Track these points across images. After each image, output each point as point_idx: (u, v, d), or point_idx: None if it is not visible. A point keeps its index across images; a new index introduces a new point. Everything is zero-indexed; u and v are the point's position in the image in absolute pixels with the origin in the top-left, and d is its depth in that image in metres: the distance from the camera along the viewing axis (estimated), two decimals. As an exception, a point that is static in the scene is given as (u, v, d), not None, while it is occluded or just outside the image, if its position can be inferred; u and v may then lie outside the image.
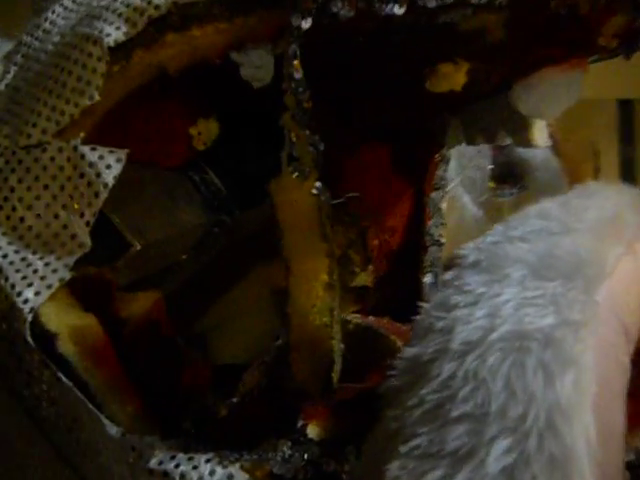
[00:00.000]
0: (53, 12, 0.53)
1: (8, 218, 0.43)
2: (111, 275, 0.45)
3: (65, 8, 0.52)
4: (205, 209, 0.52)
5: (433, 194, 0.71)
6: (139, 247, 0.45)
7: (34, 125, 0.43)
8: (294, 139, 0.41)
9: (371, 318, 0.69)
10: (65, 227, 0.42)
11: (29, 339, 0.39)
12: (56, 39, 0.48)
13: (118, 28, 0.42)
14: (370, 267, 0.70)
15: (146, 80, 0.44)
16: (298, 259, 0.41)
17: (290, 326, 0.40)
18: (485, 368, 0.29)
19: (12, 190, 0.43)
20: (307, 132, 0.41)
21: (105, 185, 0.41)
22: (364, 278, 0.70)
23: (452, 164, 0.96)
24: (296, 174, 0.41)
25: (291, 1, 0.41)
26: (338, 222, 0.70)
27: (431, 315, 0.35)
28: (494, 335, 0.30)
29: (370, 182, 0.65)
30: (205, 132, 0.50)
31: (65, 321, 0.40)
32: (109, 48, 0.42)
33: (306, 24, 0.41)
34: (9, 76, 0.51)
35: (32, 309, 0.39)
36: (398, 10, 0.40)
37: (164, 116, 0.49)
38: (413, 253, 0.72)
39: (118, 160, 0.42)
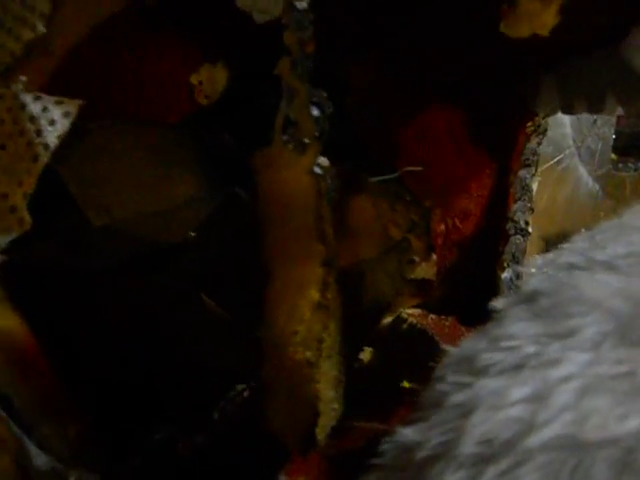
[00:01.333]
0: None
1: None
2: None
3: None
4: (211, 179, 0.41)
5: (522, 172, 0.57)
6: (98, 226, 0.35)
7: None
8: (292, 96, 0.30)
9: (432, 318, 0.57)
10: (5, 197, 0.33)
11: None
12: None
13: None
14: (433, 257, 0.57)
15: (116, 7, 0.34)
16: (283, 264, 0.29)
17: (265, 357, 0.29)
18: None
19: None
20: (309, 86, 0.29)
21: (46, 147, 0.32)
22: (425, 270, 0.57)
23: (568, 131, 0.82)
24: (291, 145, 0.29)
25: None
26: (397, 199, 0.58)
27: (447, 377, 0.23)
28: (534, 439, 0.18)
29: (437, 153, 0.52)
30: (209, 81, 0.39)
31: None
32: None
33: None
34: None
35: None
36: None
37: (159, 59, 0.39)
38: (491, 242, 0.58)
39: (66, 114, 0.32)
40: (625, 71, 0.38)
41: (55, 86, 0.35)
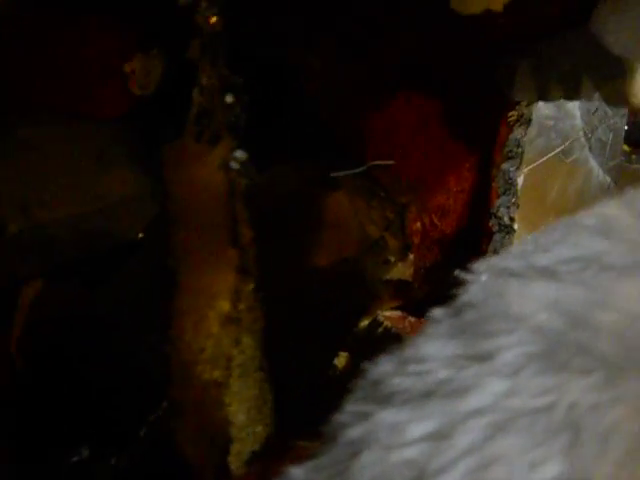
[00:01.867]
0: None
1: None
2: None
3: None
4: (152, 176, 0.38)
5: (505, 164, 0.53)
6: (13, 229, 0.32)
7: None
8: (203, 80, 0.27)
9: (410, 321, 0.54)
10: None
11: None
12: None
13: None
14: (410, 257, 0.54)
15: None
16: (191, 271, 0.26)
17: (172, 376, 0.26)
18: None
19: None
20: (222, 69, 0.26)
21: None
22: (401, 270, 0.54)
23: (578, 122, 0.78)
24: (203, 138, 0.26)
25: None
26: (373, 196, 0.54)
27: (348, 406, 0.20)
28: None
29: (410, 146, 0.48)
30: (141, 70, 0.36)
31: None
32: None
33: None
34: None
35: None
36: None
37: (89, 48, 0.36)
38: (474, 240, 0.55)
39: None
40: (598, 52, 0.34)
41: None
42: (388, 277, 0.54)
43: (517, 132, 0.52)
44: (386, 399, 0.19)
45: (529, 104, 0.49)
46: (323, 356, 0.54)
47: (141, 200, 0.38)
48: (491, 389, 0.17)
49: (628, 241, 0.21)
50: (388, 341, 0.52)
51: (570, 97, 0.39)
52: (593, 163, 0.79)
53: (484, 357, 0.18)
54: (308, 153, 0.46)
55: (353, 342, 0.55)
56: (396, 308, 0.56)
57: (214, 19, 0.25)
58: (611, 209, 0.23)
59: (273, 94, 0.42)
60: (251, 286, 0.25)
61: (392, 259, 0.53)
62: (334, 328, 0.56)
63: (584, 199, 0.76)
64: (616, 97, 0.36)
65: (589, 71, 0.37)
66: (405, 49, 0.38)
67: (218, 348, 0.25)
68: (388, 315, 0.55)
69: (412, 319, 0.54)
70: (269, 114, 0.43)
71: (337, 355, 0.53)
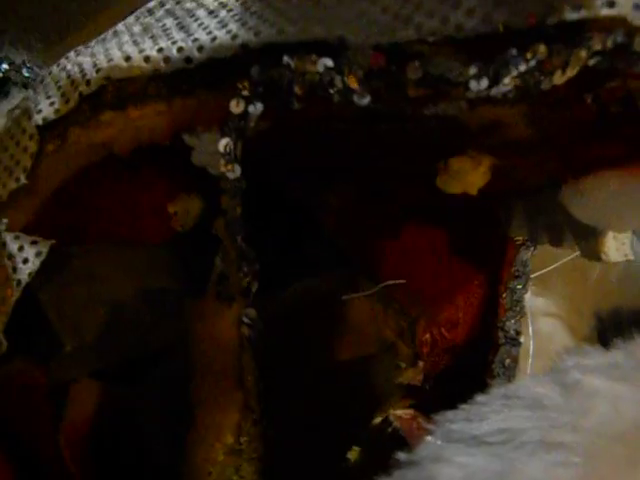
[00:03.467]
0: (57, 64, 0.49)
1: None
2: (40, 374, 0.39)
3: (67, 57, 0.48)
4: (180, 290, 0.45)
5: (512, 282, 0.58)
6: (69, 348, 0.39)
7: (-29, 203, 0.39)
8: (224, 251, 0.33)
9: (418, 421, 0.58)
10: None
11: None
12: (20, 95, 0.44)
13: (52, 104, 0.36)
14: (420, 364, 0.59)
15: (94, 159, 0.38)
16: (204, 408, 0.32)
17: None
18: None
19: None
20: (239, 244, 0.33)
21: (18, 283, 0.36)
22: (412, 376, 0.59)
23: None
24: (222, 297, 0.33)
25: (232, 84, 0.32)
26: (389, 305, 0.60)
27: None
28: None
29: (419, 267, 0.54)
30: (183, 211, 0.43)
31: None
32: (40, 126, 0.36)
33: (255, 109, 0.33)
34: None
35: None
36: (360, 100, 0.30)
37: (140, 187, 0.43)
38: (481, 350, 0.60)
39: (38, 254, 0.36)
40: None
41: (41, 221, 0.39)
42: (400, 380, 0.59)
43: (523, 254, 0.57)
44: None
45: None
46: (338, 450, 0.59)
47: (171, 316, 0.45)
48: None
49: (547, 419, 0.26)
50: (395, 442, 0.56)
51: (554, 245, 0.44)
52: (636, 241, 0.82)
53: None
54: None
55: (366, 437, 0.60)
56: (409, 406, 0.61)
57: (239, 209, 0.31)
58: (544, 386, 0.28)
59: (293, 226, 0.48)
60: (252, 421, 0.31)
61: (403, 365, 0.58)
62: (349, 423, 0.61)
63: (628, 279, 0.78)
64: (591, 253, 0.41)
65: (570, 226, 0.42)
66: (419, 192, 0.44)
67: (222, 474, 0.30)
68: (399, 414, 0.59)
69: (421, 419, 0.58)
70: (290, 242, 0.49)
71: (350, 449, 0.58)
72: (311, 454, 0.55)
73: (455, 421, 0.29)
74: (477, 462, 0.25)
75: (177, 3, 0.39)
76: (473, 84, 0.27)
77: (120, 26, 0.40)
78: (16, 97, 0.53)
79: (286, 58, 0.31)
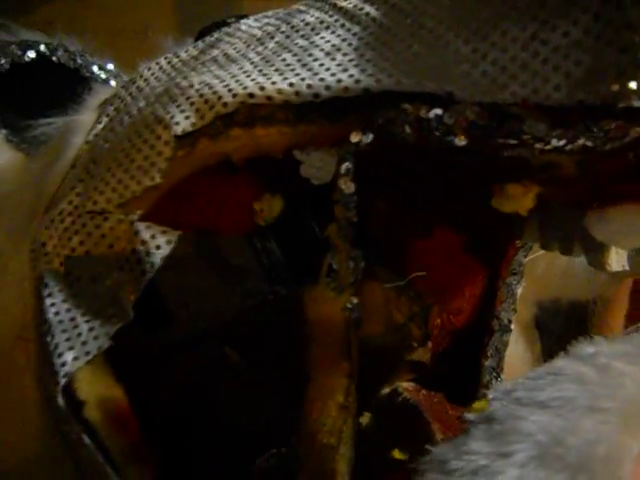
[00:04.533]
0: (149, 69, 0.55)
1: (67, 275, 0.46)
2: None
3: (160, 68, 0.55)
4: (262, 281, 0.53)
5: (509, 279, 0.69)
6: (183, 321, 0.47)
7: (101, 193, 0.46)
8: (336, 251, 0.41)
9: (423, 393, 0.68)
10: (113, 295, 0.45)
11: (60, 402, 0.42)
12: (141, 104, 0.50)
13: (187, 117, 0.44)
14: (429, 344, 0.69)
15: (210, 163, 0.46)
16: (318, 374, 0.41)
17: (299, 439, 0.41)
18: None
19: (73, 250, 0.46)
20: (349, 246, 0.41)
21: (152, 265, 0.43)
22: (421, 354, 0.69)
23: None
24: (332, 287, 0.41)
25: (351, 117, 0.41)
26: (403, 292, 0.69)
27: (427, 475, 0.34)
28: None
29: (439, 263, 0.63)
30: (268, 209, 0.51)
31: (95, 390, 0.43)
32: (176, 136, 0.43)
33: (367, 139, 0.41)
34: (99, 127, 0.54)
35: (67, 374, 0.42)
36: (458, 142, 0.39)
37: (231, 186, 0.51)
38: (478, 334, 0.70)
39: (168, 242, 0.44)
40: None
41: (149, 213, 0.46)
42: (410, 358, 0.69)
43: (520, 254, 0.68)
44: (449, 474, 0.34)
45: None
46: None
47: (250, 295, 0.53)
48: (510, 474, 0.32)
49: (590, 391, 0.36)
50: (406, 409, 0.66)
51: (564, 253, 0.54)
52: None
53: (506, 455, 0.33)
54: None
55: (375, 405, 0.69)
56: (411, 380, 0.70)
57: (355, 218, 0.40)
58: (582, 367, 0.38)
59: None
60: (354, 386, 0.40)
61: (415, 344, 0.68)
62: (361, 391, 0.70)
63: (568, 276, 0.89)
64: (597, 263, 0.51)
65: (581, 240, 0.52)
66: (452, 205, 0.53)
67: (334, 425, 0.39)
68: (405, 386, 0.69)
69: (424, 392, 0.68)
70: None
71: (362, 414, 0.68)
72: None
73: (517, 390, 0.38)
74: (545, 419, 0.34)
75: (287, 37, 0.46)
76: (554, 141, 0.37)
77: (231, 50, 0.48)
78: (101, 92, 0.59)
79: (404, 105, 0.39)
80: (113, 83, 0.72)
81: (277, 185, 0.52)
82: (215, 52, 0.49)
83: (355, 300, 0.41)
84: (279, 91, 0.41)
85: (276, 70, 0.43)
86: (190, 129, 0.43)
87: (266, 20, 0.50)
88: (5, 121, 0.64)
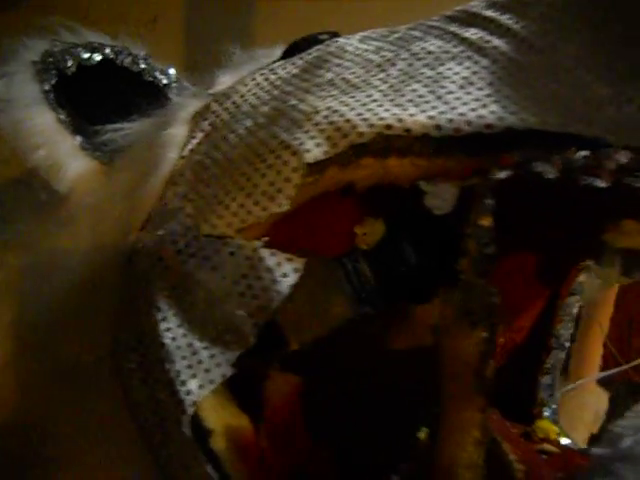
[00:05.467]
0: (245, 85, 0.55)
1: (180, 299, 0.45)
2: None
3: (258, 85, 0.54)
4: (353, 300, 0.53)
5: (569, 299, 0.70)
6: (297, 347, 0.46)
7: (220, 217, 0.45)
8: (468, 285, 0.42)
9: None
10: (231, 320, 0.44)
11: (187, 432, 0.41)
12: (248, 123, 0.49)
13: (319, 145, 0.43)
14: (491, 361, 0.70)
15: (331, 189, 0.45)
16: (453, 407, 0.41)
17: (434, 472, 0.41)
18: None
19: (188, 273, 0.45)
20: (483, 281, 0.42)
21: (279, 293, 0.43)
22: (485, 371, 0.70)
23: None
24: (465, 322, 0.41)
25: (489, 153, 0.41)
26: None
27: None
28: None
29: (511, 287, 0.64)
30: (371, 233, 0.51)
31: (222, 418, 0.42)
32: (307, 163, 0.43)
33: (503, 175, 0.41)
34: (194, 142, 0.53)
35: (194, 402, 0.41)
36: (600, 184, 0.40)
37: (336, 209, 0.50)
38: (536, 352, 0.71)
39: (296, 270, 0.43)
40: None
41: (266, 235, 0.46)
42: (472, 375, 0.69)
43: (581, 276, 0.69)
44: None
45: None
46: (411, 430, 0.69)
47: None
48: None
49: None
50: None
51: (626, 275, 0.55)
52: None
53: None
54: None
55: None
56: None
57: (493, 251, 0.40)
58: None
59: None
60: (488, 418, 0.41)
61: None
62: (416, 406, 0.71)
63: None
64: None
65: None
66: (549, 234, 0.54)
67: (471, 460, 0.40)
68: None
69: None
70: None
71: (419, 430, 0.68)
72: (384, 433, 0.65)
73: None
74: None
75: (409, 65, 0.46)
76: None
77: (348, 75, 0.47)
78: (186, 104, 0.58)
79: (549, 145, 0.39)
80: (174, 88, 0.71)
81: (378, 209, 0.51)
82: (328, 75, 0.48)
83: (488, 335, 0.41)
84: (418, 124, 0.41)
85: (409, 101, 0.43)
86: (322, 157, 0.43)
87: (377, 43, 0.50)
88: (77, 127, 0.62)
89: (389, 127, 0.42)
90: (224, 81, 0.62)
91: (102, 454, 0.49)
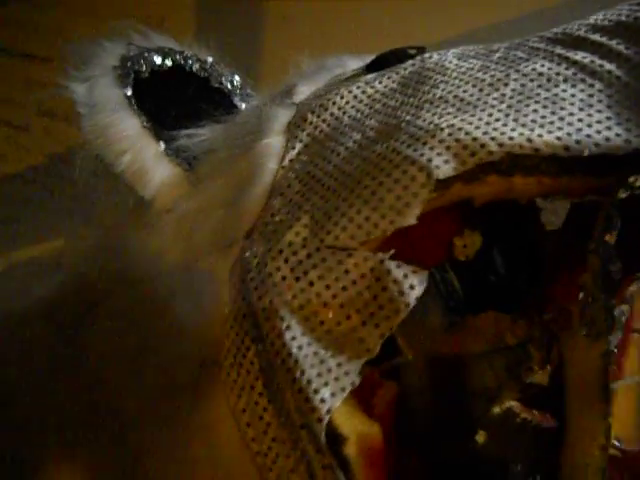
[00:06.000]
0: (341, 97, 0.56)
1: (301, 308, 0.46)
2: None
3: (355, 97, 0.55)
4: (444, 310, 0.55)
5: (620, 306, 0.73)
6: (410, 358, 0.48)
7: (343, 229, 0.46)
8: (590, 300, 0.44)
9: (533, 413, 0.71)
10: (354, 330, 0.45)
11: (323, 439, 0.42)
12: (356, 137, 0.51)
13: (447, 162, 0.45)
14: (548, 367, 0.73)
15: (446, 203, 0.47)
16: (578, 417, 0.43)
17: (560, 476, 0.43)
18: None
19: (311, 284, 0.46)
20: (605, 296, 0.44)
21: (407, 305, 0.44)
22: (541, 377, 0.72)
23: None
24: (588, 335, 0.44)
25: (613, 173, 0.43)
26: (522, 317, 0.72)
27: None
28: None
29: (570, 294, 0.67)
30: (470, 244, 0.53)
31: (355, 426, 0.44)
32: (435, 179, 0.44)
33: (623, 195, 0.44)
34: (293, 152, 0.54)
35: (329, 410, 0.43)
36: None
37: (441, 221, 0.52)
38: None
39: (421, 282, 0.45)
40: None
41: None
42: (529, 380, 0.72)
43: (634, 286, 0.72)
44: None
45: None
46: (468, 431, 0.71)
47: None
48: None
49: None
50: (526, 429, 0.69)
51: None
52: None
53: None
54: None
55: (489, 424, 0.72)
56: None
57: (618, 267, 0.42)
58: None
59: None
60: (611, 425, 0.43)
61: (535, 367, 0.71)
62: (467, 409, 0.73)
63: None
64: None
65: None
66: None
67: (597, 465, 0.42)
68: (517, 406, 0.72)
69: (535, 412, 0.72)
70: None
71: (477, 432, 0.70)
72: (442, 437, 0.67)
73: None
74: None
75: (522, 86, 0.48)
76: None
77: (460, 93, 0.49)
78: (280, 114, 0.58)
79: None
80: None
81: (478, 221, 0.53)
82: (436, 91, 0.50)
83: (610, 348, 0.43)
84: (547, 144, 0.43)
85: (533, 121, 0.45)
86: (451, 174, 0.44)
87: (480, 62, 0.52)
88: (158, 133, 0.62)
89: (519, 147, 0.43)
90: (302, 91, 0.63)
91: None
